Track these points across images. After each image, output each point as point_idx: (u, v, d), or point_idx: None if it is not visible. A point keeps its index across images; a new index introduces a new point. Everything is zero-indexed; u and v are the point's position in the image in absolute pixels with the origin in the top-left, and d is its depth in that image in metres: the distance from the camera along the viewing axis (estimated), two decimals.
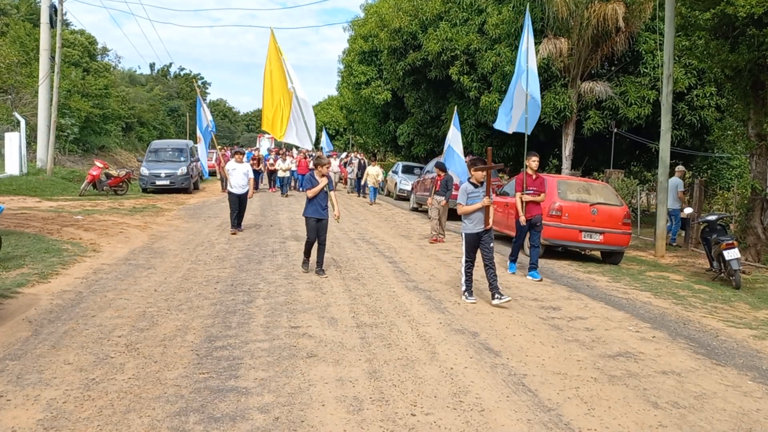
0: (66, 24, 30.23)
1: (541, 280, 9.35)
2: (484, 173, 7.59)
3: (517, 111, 11.04)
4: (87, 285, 7.62)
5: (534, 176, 9.78)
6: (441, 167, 13.55)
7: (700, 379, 5.33)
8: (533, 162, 9.77)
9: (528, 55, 10.63)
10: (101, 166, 21.04)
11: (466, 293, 7.73)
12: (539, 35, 18.12)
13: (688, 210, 12.42)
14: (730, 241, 9.92)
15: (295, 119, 10.31)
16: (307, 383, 4.69)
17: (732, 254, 9.80)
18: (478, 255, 7.74)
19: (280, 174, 24.74)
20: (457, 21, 21.25)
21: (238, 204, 12.78)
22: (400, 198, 25.43)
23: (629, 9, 16.60)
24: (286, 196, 23.66)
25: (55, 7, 23.53)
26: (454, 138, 13.95)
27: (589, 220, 11.36)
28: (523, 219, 9.57)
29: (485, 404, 4.47)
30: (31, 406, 4.13)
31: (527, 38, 10.64)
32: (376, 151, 42.67)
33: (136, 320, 6.16)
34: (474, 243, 7.61)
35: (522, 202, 9.67)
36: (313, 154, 30.64)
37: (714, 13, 10.84)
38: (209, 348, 5.40)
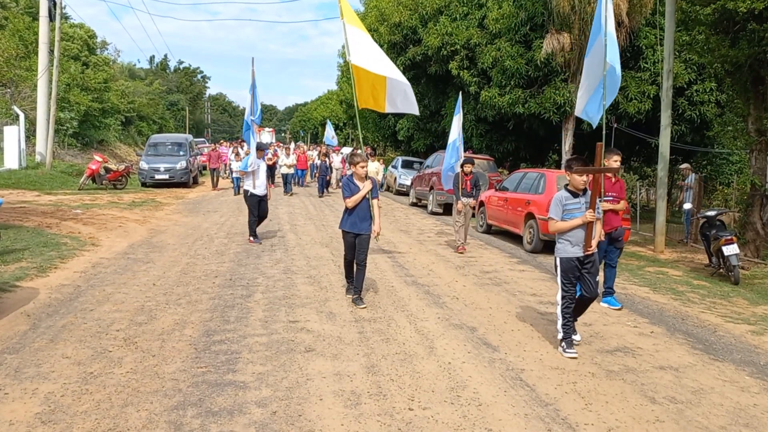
0: (65, 17, 30.17)
1: (621, 309, 7.56)
2: (589, 177, 5.73)
3: (590, 90, 8.20)
4: (85, 279, 7.62)
5: (613, 179, 7.71)
6: (469, 162, 11.56)
7: (697, 374, 5.34)
8: (614, 162, 7.52)
9: (607, 17, 7.84)
10: (100, 160, 21.00)
11: (563, 344, 5.68)
12: (540, 30, 18.07)
13: (687, 205, 12.41)
14: (729, 237, 9.92)
15: (391, 86, 7.81)
16: (304, 377, 4.69)
17: (731, 250, 9.80)
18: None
19: (284, 170, 22.99)
20: (457, 15, 21.18)
21: (259, 207, 11.16)
22: (399, 193, 25.41)
23: (631, 4, 16.53)
24: (290, 194, 22.06)
25: (54, 1, 23.45)
26: (455, 128, 12.33)
27: None
28: (600, 233, 6.79)
29: (483, 399, 4.48)
30: (29, 399, 4.14)
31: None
32: (375, 145, 42.60)
33: (134, 314, 6.17)
34: (574, 271, 5.69)
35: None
36: (336, 150, 28.84)
37: (714, 8, 10.80)
38: (207, 342, 5.40)
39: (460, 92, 13.79)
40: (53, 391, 4.27)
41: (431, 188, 18.41)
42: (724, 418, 4.44)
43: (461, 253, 11.13)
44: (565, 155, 18.43)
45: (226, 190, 22.68)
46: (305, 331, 5.88)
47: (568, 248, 5.68)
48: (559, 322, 5.75)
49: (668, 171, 13.82)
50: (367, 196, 6.93)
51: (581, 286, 5.78)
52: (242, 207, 16.91)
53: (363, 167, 6.91)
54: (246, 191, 11.11)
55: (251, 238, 11.05)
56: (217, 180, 23.73)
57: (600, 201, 6.31)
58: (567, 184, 5.83)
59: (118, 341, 5.33)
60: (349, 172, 7.22)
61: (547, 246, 11.95)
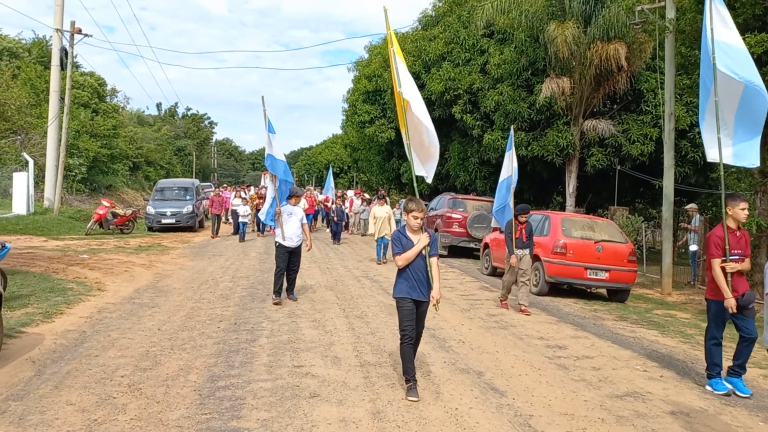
0: (76, 66, 30.84)
1: (751, 397, 5.99)
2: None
3: (727, 123, 6.48)
4: (91, 324, 7.61)
5: (737, 232, 6.19)
6: (524, 211, 10.11)
7: (709, 419, 5.25)
8: (742, 211, 6.14)
9: (717, 32, 6.29)
10: (108, 205, 21.18)
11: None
12: (542, 74, 18.36)
13: (693, 247, 12.37)
14: None
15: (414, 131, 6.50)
16: (309, 424, 4.64)
17: None
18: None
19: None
20: (460, 61, 21.59)
21: (289, 260, 9.60)
22: None
23: (630, 49, 16.84)
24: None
25: (65, 51, 24.03)
26: (506, 167, 11.01)
27: (594, 257, 11.34)
28: (731, 302, 5.87)
29: None
30: None
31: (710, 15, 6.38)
32: (378, 187, 42.69)
33: (139, 360, 6.13)
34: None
35: (725, 274, 5.98)
36: (358, 194, 27.65)
37: None
38: (212, 388, 5.36)
39: (512, 127, 12.34)
40: None
41: (436, 230, 18.44)
42: None
43: (526, 314, 9.64)
44: (569, 197, 18.52)
45: (227, 237, 21.54)
46: (310, 375, 5.83)
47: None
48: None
49: (673, 212, 13.83)
50: (424, 252, 5.48)
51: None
52: (247, 250, 16.97)
53: (418, 217, 5.44)
54: (276, 242, 9.71)
55: (274, 297, 9.46)
56: (219, 226, 22.11)
57: (726, 260, 5.99)
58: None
59: (123, 387, 5.29)
60: (401, 224, 5.86)
61: (553, 288, 11.89)
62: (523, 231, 10.06)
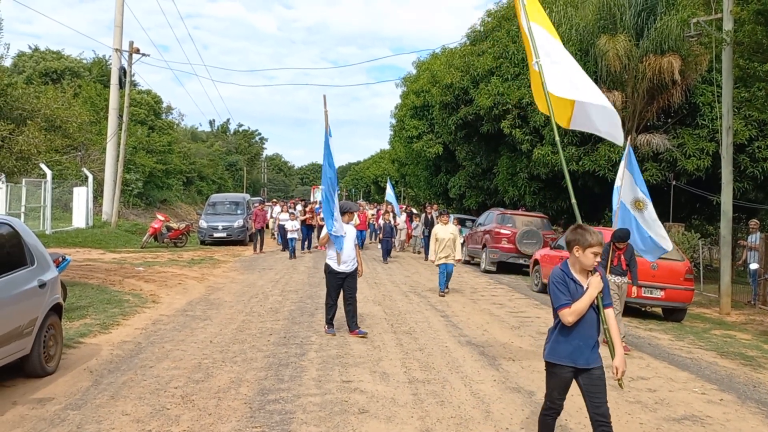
0: (134, 84, 31.94)
1: None
2: None
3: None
4: (146, 336, 7.81)
5: None
6: (623, 237, 8.77)
7: None
8: None
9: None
10: (162, 219, 21.78)
11: None
12: None
13: (754, 266, 11.91)
14: None
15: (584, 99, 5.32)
16: None
17: None
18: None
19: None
20: (509, 76, 21.45)
21: (340, 288, 8.37)
22: None
23: (685, 62, 16.43)
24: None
25: (124, 70, 24.97)
26: (627, 189, 9.35)
27: (649, 275, 11.01)
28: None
29: None
30: None
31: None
32: (426, 202, 42.30)
33: (191, 372, 6.26)
34: None
35: None
36: (402, 209, 25.00)
37: None
38: (262, 401, 5.42)
39: (628, 138, 10.65)
40: None
41: (484, 246, 18.26)
42: None
43: (626, 352, 7.77)
44: None
45: (275, 252, 21.19)
46: (359, 391, 5.83)
47: None
48: None
49: (731, 229, 13.35)
50: (596, 302, 3.99)
51: None
52: (296, 264, 17.15)
53: (598, 254, 3.94)
54: (325, 267, 8.47)
55: (327, 328, 8.40)
56: (262, 242, 21.12)
57: None
58: None
59: (176, 399, 5.40)
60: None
61: None
62: (622, 257, 8.97)
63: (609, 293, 4.09)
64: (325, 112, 8.66)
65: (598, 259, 3.92)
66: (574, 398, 5.96)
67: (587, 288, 3.91)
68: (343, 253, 8.21)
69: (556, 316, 3.99)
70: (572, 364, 3.97)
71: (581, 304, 3.87)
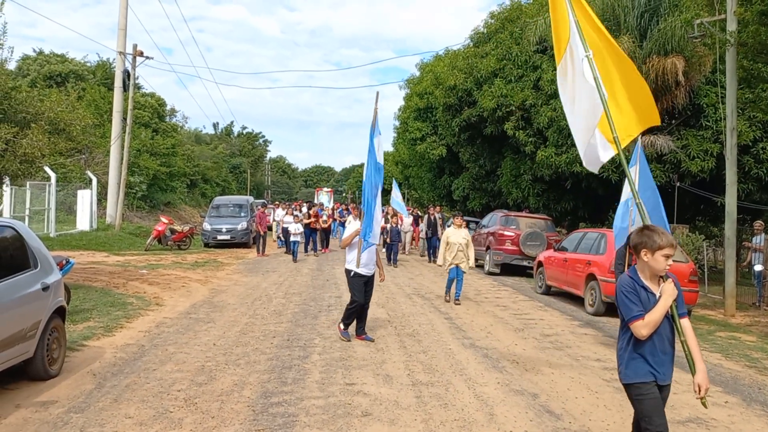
0: (138, 87, 32.06)
1: None
2: None
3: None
4: (149, 338, 7.81)
5: None
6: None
7: None
8: None
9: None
10: (166, 221, 21.82)
11: None
12: None
13: (758, 267, 11.86)
14: None
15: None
16: None
17: None
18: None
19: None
20: (512, 78, 21.43)
21: (365, 292, 8.28)
22: None
23: (689, 63, 16.38)
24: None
25: (128, 72, 25.05)
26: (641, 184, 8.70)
27: None
28: None
29: None
30: None
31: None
32: (430, 204, 42.21)
33: (195, 374, 6.25)
34: None
35: None
36: (411, 211, 23.73)
37: None
38: (265, 404, 5.41)
39: (639, 137, 9.95)
40: None
41: (488, 248, 18.24)
42: None
43: None
44: None
45: (278, 254, 21.25)
46: (362, 394, 5.82)
47: None
48: None
49: (736, 230, 13.29)
50: (670, 310, 3.61)
51: None
52: (300, 267, 17.13)
53: (666, 252, 3.52)
54: (348, 271, 8.35)
55: (342, 331, 8.26)
56: (264, 245, 20.75)
57: None
58: None
59: (179, 402, 5.40)
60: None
61: (609, 308, 11.56)
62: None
63: (683, 302, 3.71)
64: (375, 109, 8.47)
65: (670, 262, 3.51)
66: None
67: (659, 296, 3.51)
68: (364, 256, 8.07)
69: (625, 329, 3.58)
70: (655, 380, 3.56)
71: (655, 315, 3.46)
